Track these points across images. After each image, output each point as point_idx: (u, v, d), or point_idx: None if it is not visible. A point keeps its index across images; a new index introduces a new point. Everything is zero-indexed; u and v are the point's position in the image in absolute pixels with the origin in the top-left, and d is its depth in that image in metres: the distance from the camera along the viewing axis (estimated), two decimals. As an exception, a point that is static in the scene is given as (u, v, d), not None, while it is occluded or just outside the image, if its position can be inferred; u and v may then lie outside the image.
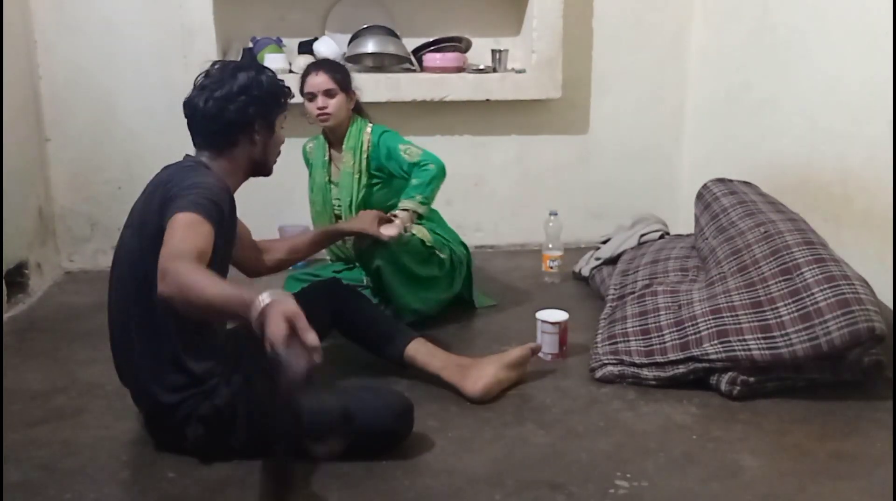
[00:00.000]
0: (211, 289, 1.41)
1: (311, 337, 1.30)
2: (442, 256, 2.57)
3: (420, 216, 2.49)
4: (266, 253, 2.20)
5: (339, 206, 2.64)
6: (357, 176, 2.57)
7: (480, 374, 2.05)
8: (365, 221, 2.35)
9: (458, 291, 2.68)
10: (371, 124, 2.61)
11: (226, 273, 1.88)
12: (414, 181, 2.47)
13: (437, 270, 2.55)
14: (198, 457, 1.76)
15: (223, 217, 1.66)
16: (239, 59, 3.21)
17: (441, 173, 2.49)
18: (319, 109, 2.52)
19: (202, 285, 1.42)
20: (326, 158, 2.66)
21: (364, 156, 2.57)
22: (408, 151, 2.52)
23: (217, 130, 1.77)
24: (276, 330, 1.28)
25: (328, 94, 2.51)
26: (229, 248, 1.85)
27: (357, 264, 2.65)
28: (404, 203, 2.44)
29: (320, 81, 2.51)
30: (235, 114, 1.76)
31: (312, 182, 2.71)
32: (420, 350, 2.11)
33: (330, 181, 2.66)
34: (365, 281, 2.64)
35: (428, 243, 2.53)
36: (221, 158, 1.80)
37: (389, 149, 2.54)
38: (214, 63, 1.85)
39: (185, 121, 1.82)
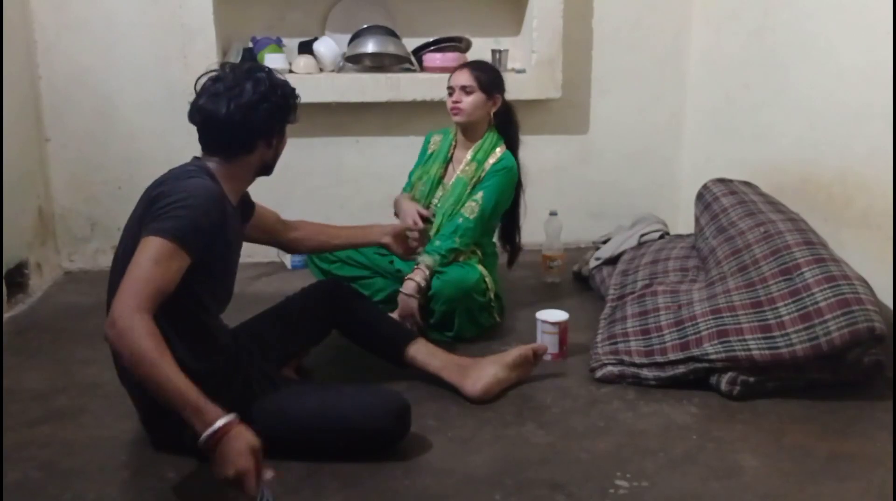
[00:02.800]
0: (164, 372, 1.45)
1: (267, 473, 1.42)
2: (497, 318, 2.59)
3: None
4: (295, 232, 2.18)
5: (438, 206, 2.59)
6: (470, 188, 2.55)
7: (480, 374, 2.05)
8: (394, 242, 2.31)
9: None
10: (505, 149, 2.58)
11: (231, 283, 1.86)
12: (437, 242, 2.45)
13: (486, 320, 2.53)
14: (197, 458, 1.76)
15: (205, 239, 1.62)
16: (239, 59, 3.21)
17: (461, 246, 2.47)
18: (453, 102, 2.53)
19: (151, 364, 1.45)
20: (450, 154, 2.65)
21: (482, 172, 2.55)
22: (475, 204, 2.49)
23: (238, 137, 1.74)
24: (244, 465, 1.40)
25: (465, 90, 2.51)
26: (229, 259, 1.81)
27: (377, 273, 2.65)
28: (426, 259, 2.42)
29: (461, 75, 2.53)
30: (260, 121, 1.73)
31: (423, 171, 2.67)
32: (420, 350, 2.10)
33: (441, 179, 2.64)
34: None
35: (492, 302, 2.52)
36: (233, 163, 1.77)
37: (485, 185, 2.52)
38: (223, 66, 1.81)
39: (197, 127, 1.76)
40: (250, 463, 1.40)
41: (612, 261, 2.92)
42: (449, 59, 3.26)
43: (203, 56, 3.05)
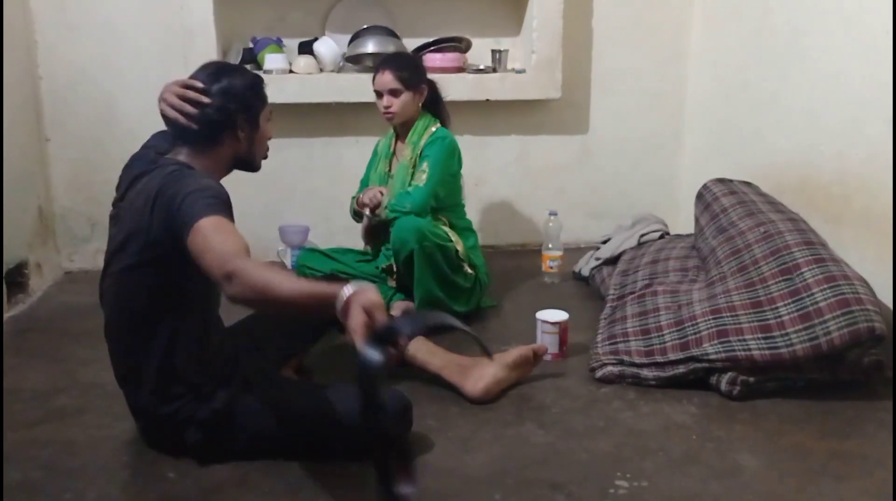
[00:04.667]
0: (290, 287, 1.43)
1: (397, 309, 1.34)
2: (468, 271, 2.61)
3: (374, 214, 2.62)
4: None
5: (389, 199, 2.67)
6: (411, 170, 2.60)
7: (481, 374, 2.06)
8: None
9: (467, 310, 2.65)
10: (438, 125, 2.65)
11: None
12: (393, 201, 2.53)
13: (462, 280, 2.57)
14: (196, 460, 1.76)
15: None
16: (239, 59, 3.22)
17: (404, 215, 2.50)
18: (385, 107, 2.57)
19: (279, 283, 1.42)
20: (391, 150, 2.72)
21: (419, 151, 2.60)
22: (423, 173, 2.54)
23: (199, 131, 1.74)
24: (353, 322, 1.31)
25: (393, 93, 2.56)
26: None
27: (374, 257, 2.73)
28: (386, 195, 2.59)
29: (386, 79, 2.55)
30: (215, 113, 1.73)
31: (373, 172, 2.75)
32: (420, 349, 2.11)
33: (388, 173, 2.71)
34: (379, 268, 2.70)
35: (460, 255, 2.56)
36: (203, 156, 1.76)
37: (426, 156, 2.57)
38: (202, 67, 1.82)
39: (166, 124, 1.81)
40: (359, 320, 1.32)
41: (612, 261, 2.93)
42: (449, 59, 3.26)
43: (203, 57, 3.03)
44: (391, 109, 2.57)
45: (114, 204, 1.83)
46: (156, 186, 1.64)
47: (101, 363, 2.15)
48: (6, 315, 2.73)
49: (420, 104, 2.63)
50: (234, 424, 1.73)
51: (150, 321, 1.69)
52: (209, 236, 1.51)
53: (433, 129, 2.63)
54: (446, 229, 2.58)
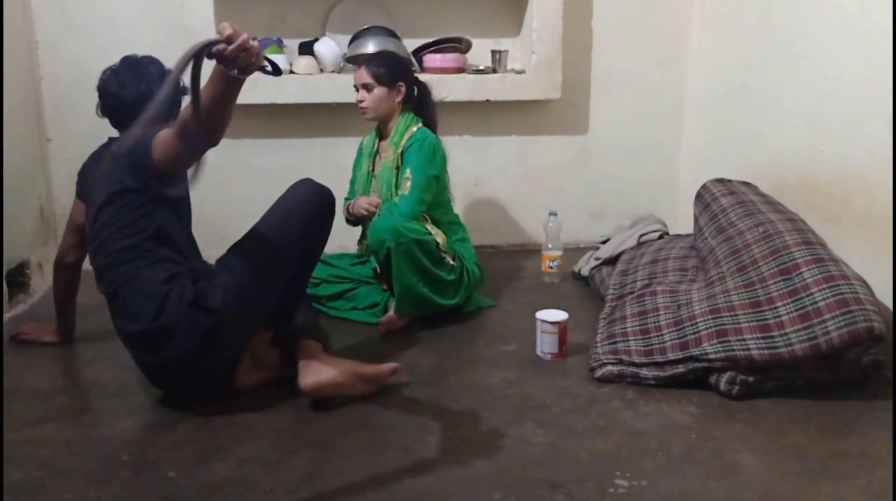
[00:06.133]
0: (208, 91, 1.58)
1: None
2: (452, 263, 2.60)
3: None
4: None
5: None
6: (395, 170, 2.62)
7: (320, 369, 2.00)
8: None
9: (457, 303, 2.66)
10: (420, 125, 2.65)
11: (189, 227, 2.12)
12: (384, 209, 2.57)
13: (446, 273, 2.57)
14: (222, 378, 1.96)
15: None
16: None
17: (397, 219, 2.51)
18: (358, 101, 2.61)
19: (205, 95, 1.57)
20: (375, 149, 2.74)
21: (400, 151, 2.61)
22: (406, 181, 2.56)
23: (163, 109, 1.89)
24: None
25: (366, 87, 2.59)
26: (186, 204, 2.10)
27: (368, 258, 2.72)
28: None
29: (360, 74, 2.60)
30: (178, 90, 1.99)
31: (358, 171, 2.78)
32: (309, 344, 2.08)
33: (371, 172, 2.72)
34: (373, 270, 2.71)
35: (441, 247, 2.56)
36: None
37: (408, 162, 2.58)
38: (117, 64, 2.15)
39: (121, 112, 2.10)
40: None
41: (612, 261, 2.93)
42: (449, 59, 3.27)
43: (203, 56, 3.05)
44: (364, 104, 2.61)
45: (78, 195, 2.31)
46: (114, 150, 1.98)
47: (102, 362, 2.16)
48: (7, 315, 2.74)
49: (397, 102, 2.64)
50: (219, 286, 1.91)
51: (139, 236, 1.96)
52: (165, 139, 1.77)
53: (413, 129, 2.64)
54: (427, 224, 2.58)
